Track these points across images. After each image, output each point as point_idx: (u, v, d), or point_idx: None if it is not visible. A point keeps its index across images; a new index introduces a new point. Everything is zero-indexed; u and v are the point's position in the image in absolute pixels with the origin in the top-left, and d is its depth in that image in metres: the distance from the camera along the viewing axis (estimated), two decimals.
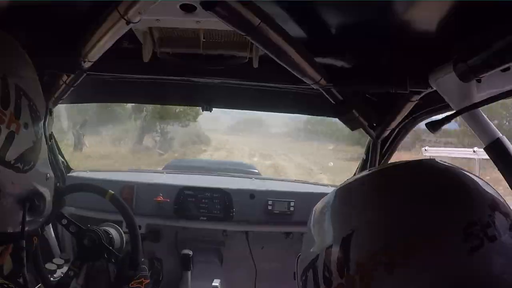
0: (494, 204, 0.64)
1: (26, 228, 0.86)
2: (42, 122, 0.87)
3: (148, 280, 1.59)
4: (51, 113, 0.95)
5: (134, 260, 1.61)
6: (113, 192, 1.68)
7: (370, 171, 0.79)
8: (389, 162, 2.16)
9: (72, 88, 1.65)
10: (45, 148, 0.90)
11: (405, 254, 0.61)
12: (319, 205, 0.80)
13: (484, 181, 0.69)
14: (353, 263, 0.64)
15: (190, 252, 2.23)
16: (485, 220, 0.61)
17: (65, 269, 1.88)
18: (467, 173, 0.70)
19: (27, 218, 0.83)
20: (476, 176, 0.70)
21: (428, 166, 0.73)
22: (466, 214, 0.61)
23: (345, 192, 0.75)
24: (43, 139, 0.88)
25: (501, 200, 0.67)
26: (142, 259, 1.63)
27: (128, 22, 1.06)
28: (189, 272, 2.27)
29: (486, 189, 0.67)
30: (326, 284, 0.67)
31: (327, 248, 0.68)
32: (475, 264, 0.59)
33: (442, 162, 0.73)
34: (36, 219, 0.87)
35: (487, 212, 0.62)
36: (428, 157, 0.99)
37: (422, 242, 0.61)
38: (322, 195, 2.54)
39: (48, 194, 0.90)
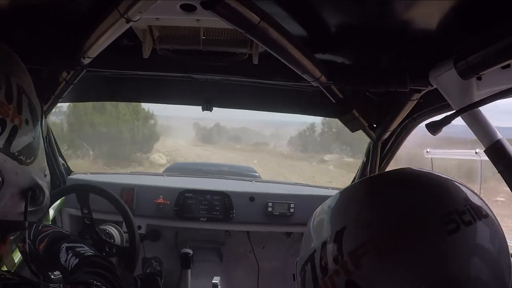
0: (467, 198, 0.79)
1: (32, 219, 0.92)
2: (39, 121, 0.94)
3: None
4: (45, 115, 0.99)
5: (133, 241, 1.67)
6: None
7: (363, 179, 0.94)
8: (389, 165, 2.16)
9: (72, 86, 1.66)
10: (43, 146, 0.96)
11: (393, 240, 0.72)
12: (319, 209, 0.92)
13: (459, 182, 0.84)
14: (345, 251, 0.75)
15: (190, 251, 2.23)
16: (460, 209, 0.74)
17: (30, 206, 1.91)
18: (443, 176, 0.84)
19: (29, 208, 0.88)
20: (451, 178, 0.84)
21: (409, 173, 0.87)
22: (444, 205, 0.75)
23: (341, 195, 0.88)
24: (41, 137, 0.95)
25: (475, 195, 0.81)
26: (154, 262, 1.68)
27: (128, 21, 1.07)
28: (189, 271, 2.27)
29: (460, 187, 0.82)
30: (323, 272, 0.78)
31: (323, 242, 0.80)
32: (454, 243, 0.71)
33: (419, 169, 0.88)
34: (35, 211, 0.93)
35: (462, 203, 0.76)
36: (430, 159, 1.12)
37: (408, 230, 0.73)
38: (322, 197, 2.54)
39: (46, 188, 0.95)
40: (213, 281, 2.18)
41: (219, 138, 27.12)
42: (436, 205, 0.75)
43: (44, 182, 0.94)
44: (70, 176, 2.51)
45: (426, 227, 0.72)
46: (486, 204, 0.82)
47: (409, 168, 0.89)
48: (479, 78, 1.20)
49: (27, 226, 0.89)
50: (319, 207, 0.92)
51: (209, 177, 2.84)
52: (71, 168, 2.59)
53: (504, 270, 0.76)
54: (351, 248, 0.74)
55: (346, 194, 0.88)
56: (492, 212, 0.81)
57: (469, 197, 0.79)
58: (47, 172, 0.98)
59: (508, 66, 1.10)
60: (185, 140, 25.54)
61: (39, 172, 0.93)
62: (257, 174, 3.59)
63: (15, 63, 0.93)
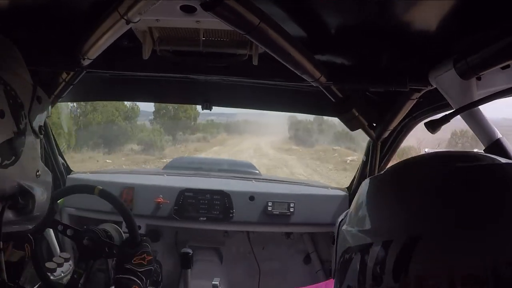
0: None
1: (20, 229, 0.80)
2: (25, 111, 0.79)
3: (151, 256, 1.52)
4: (40, 101, 0.83)
5: (133, 238, 1.60)
6: (101, 187, 1.68)
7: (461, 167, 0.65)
8: (389, 163, 2.16)
9: (71, 86, 1.65)
10: (33, 141, 0.81)
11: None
12: (373, 187, 0.71)
13: None
14: (413, 270, 0.56)
15: (190, 251, 2.23)
16: None
17: (65, 267, 1.88)
18: None
19: (13, 218, 0.76)
20: None
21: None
22: None
23: (411, 182, 0.65)
24: (29, 131, 0.80)
25: None
26: (145, 238, 1.61)
27: (128, 22, 1.07)
28: (189, 271, 2.27)
29: None
30: (375, 280, 0.61)
31: (386, 241, 0.60)
32: None
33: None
34: (25, 220, 0.80)
35: None
36: None
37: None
38: (323, 196, 2.55)
39: (40, 192, 0.82)
40: (213, 283, 2.18)
41: (318, 137, 20.62)
42: None
43: (36, 184, 0.80)
44: (70, 176, 2.50)
45: None
46: None
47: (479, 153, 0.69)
48: (479, 78, 1.20)
49: (1, 245, 0.74)
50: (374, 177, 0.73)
51: (209, 176, 2.84)
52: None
53: None
54: (422, 271, 0.55)
55: (435, 186, 0.61)
56: None
57: None
58: (41, 171, 0.83)
59: (507, 66, 1.10)
60: (272, 140, 20.95)
61: (25, 172, 0.78)
62: (257, 171, 3.59)
63: None
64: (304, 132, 21.83)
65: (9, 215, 0.75)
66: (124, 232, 2.01)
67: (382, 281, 0.59)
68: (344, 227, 0.73)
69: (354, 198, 0.74)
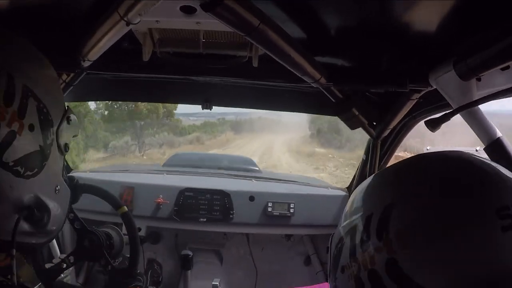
0: None
1: (32, 241, 0.82)
2: (54, 128, 0.83)
3: None
4: (69, 121, 0.89)
5: (131, 270, 1.61)
6: (126, 209, 1.68)
7: (418, 154, 0.86)
8: (389, 162, 2.16)
9: (71, 87, 1.65)
10: (57, 157, 0.84)
11: (445, 225, 0.67)
12: (358, 189, 0.86)
13: None
14: (393, 228, 0.70)
15: (190, 253, 2.24)
16: None
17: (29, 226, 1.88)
18: (500, 167, 0.76)
19: (28, 229, 0.78)
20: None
21: (466, 157, 0.79)
22: (502, 197, 0.68)
23: (393, 169, 0.83)
24: (55, 146, 0.83)
25: None
26: (139, 271, 1.62)
27: (128, 23, 1.06)
28: (189, 272, 2.28)
29: None
30: (363, 247, 0.73)
31: (368, 216, 0.75)
32: (506, 240, 0.65)
33: (471, 154, 0.80)
34: (39, 233, 0.82)
35: None
36: None
37: (462, 218, 0.67)
38: (323, 196, 2.54)
39: (56, 207, 0.84)
40: (213, 283, 2.19)
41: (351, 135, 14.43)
42: (495, 196, 0.69)
43: (53, 200, 0.83)
44: (69, 175, 2.50)
45: (481, 218, 0.67)
46: None
47: (461, 151, 0.82)
48: (479, 79, 1.20)
49: (14, 252, 0.75)
50: (359, 187, 0.87)
51: (209, 175, 2.84)
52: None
53: None
54: (399, 226, 0.70)
55: (399, 168, 0.82)
56: None
57: None
58: (60, 187, 0.86)
59: (507, 67, 1.10)
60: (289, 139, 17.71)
61: (46, 187, 0.81)
62: (257, 168, 3.58)
63: (28, 60, 0.82)
64: (331, 128, 16.53)
65: (24, 226, 0.78)
66: (124, 234, 2.01)
67: (369, 246, 0.72)
68: (336, 230, 0.85)
69: (346, 206, 0.85)
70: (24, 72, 0.78)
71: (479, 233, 0.67)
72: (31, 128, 0.76)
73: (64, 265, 1.65)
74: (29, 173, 0.76)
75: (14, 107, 0.73)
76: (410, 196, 0.73)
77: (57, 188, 0.85)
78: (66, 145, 0.87)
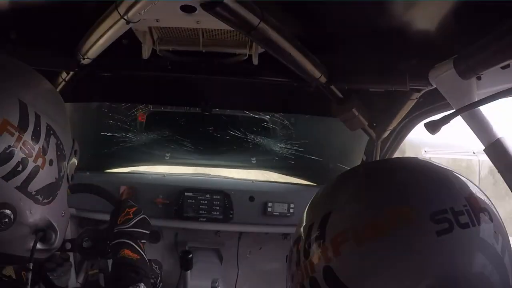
0: (470, 197, 0.70)
1: (41, 256, 0.93)
2: (66, 161, 0.95)
3: (136, 207, 1.40)
4: (76, 154, 1.02)
5: (110, 202, 1.53)
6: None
7: (358, 165, 0.89)
8: None
9: (71, 86, 1.65)
10: (65, 187, 0.97)
11: (374, 231, 0.68)
12: (317, 192, 0.88)
13: (465, 177, 0.77)
14: (328, 236, 0.72)
15: (190, 252, 2.23)
16: (458, 209, 0.67)
17: (65, 267, 1.88)
18: (447, 168, 0.78)
19: (39, 247, 0.89)
20: (457, 172, 0.77)
21: (406, 162, 0.82)
22: (439, 201, 0.68)
23: (335, 180, 0.85)
24: (65, 177, 0.96)
25: (480, 194, 0.74)
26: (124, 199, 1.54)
27: (128, 22, 1.07)
28: (189, 272, 2.27)
29: (466, 183, 0.75)
30: (305, 255, 0.76)
31: (310, 225, 0.77)
32: (441, 245, 0.65)
33: (421, 159, 0.82)
34: (45, 249, 0.93)
35: (461, 202, 0.68)
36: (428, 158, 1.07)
37: (391, 223, 0.67)
38: None
39: (62, 228, 0.95)
40: (212, 283, 2.18)
41: None
42: (430, 200, 0.68)
43: (60, 222, 0.94)
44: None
45: (412, 223, 0.66)
46: (493, 205, 0.74)
47: (413, 157, 0.83)
48: (479, 78, 1.20)
49: (31, 266, 0.89)
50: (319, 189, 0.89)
51: (209, 176, 2.84)
52: None
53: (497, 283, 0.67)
54: (333, 234, 0.71)
55: (339, 179, 0.85)
56: (499, 216, 0.73)
57: (472, 196, 0.70)
58: (65, 212, 0.97)
59: (507, 66, 1.10)
60: None
61: (56, 212, 0.93)
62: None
63: (52, 102, 0.93)
64: None
65: (37, 244, 0.90)
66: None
67: (309, 253, 0.74)
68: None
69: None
70: (48, 112, 0.88)
71: (413, 238, 0.66)
72: (51, 163, 0.88)
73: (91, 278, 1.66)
74: (45, 200, 0.88)
75: (40, 144, 0.85)
76: (346, 203, 0.75)
77: (63, 212, 0.96)
78: (72, 175, 1.00)
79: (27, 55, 1.39)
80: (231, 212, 2.42)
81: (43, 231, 0.89)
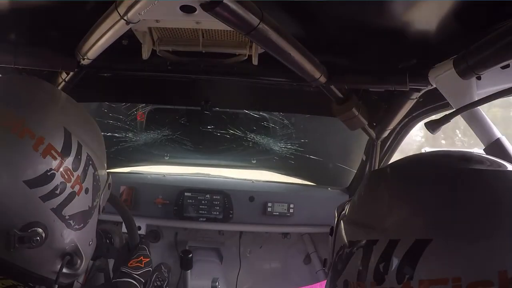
0: None
1: (65, 281, 0.96)
2: (100, 192, 1.00)
3: (148, 258, 1.50)
4: (109, 187, 1.09)
5: (131, 240, 1.57)
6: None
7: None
8: (389, 163, 2.16)
9: (71, 87, 1.65)
10: (97, 217, 1.01)
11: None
12: (380, 174, 0.69)
13: None
14: (419, 274, 0.53)
15: (190, 252, 2.23)
16: None
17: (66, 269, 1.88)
18: None
19: (64, 271, 0.92)
20: None
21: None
22: None
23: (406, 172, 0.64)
24: (98, 207, 1.00)
25: None
26: (143, 240, 1.59)
27: (127, 23, 1.07)
28: (189, 271, 2.27)
29: None
30: (376, 279, 0.58)
31: (392, 240, 0.57)
32: None
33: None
34: (69, 274, 0.96)
35: None
36: None
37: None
38: (323, 197, 2.52)
39: (87, 256, 0.99)
40: (212, 282, 2.18)
41: None
42: None
43: (87, 251, 0.98)
44: None
45: None
46: None
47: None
48: (479, 78, 1.20)
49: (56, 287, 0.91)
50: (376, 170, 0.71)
51: (209, 176, 2.84)
52: None
53: None
54: (430, 276, 0.53)
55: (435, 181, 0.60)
56: None
57: None
58: (92, 241, 1.01)
59: (507, 66, 1.10)
60: None
61: (84, 239, 0.96)
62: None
63: (95, 135, 0.99)
64: None
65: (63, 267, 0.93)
66: (124, 233, 2.00)
67: (384, 280, 0.56)
68: (345, 219, 0.70)
69: (358, 190, 0.71)
70: (89, 144, 0.94)
71: None
72: (87, 191, 0.93)
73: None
74: (77, 226, 0.92)
75: (79, 172, 0.90)
76: (458, 234, 0.53)
77: (90, 241, 1.00)
78: (104, 207, 1.05)
79: (27, 55, 1.39)
80: (231, 212, 2.42)
81: (70, 256, 0.92)
